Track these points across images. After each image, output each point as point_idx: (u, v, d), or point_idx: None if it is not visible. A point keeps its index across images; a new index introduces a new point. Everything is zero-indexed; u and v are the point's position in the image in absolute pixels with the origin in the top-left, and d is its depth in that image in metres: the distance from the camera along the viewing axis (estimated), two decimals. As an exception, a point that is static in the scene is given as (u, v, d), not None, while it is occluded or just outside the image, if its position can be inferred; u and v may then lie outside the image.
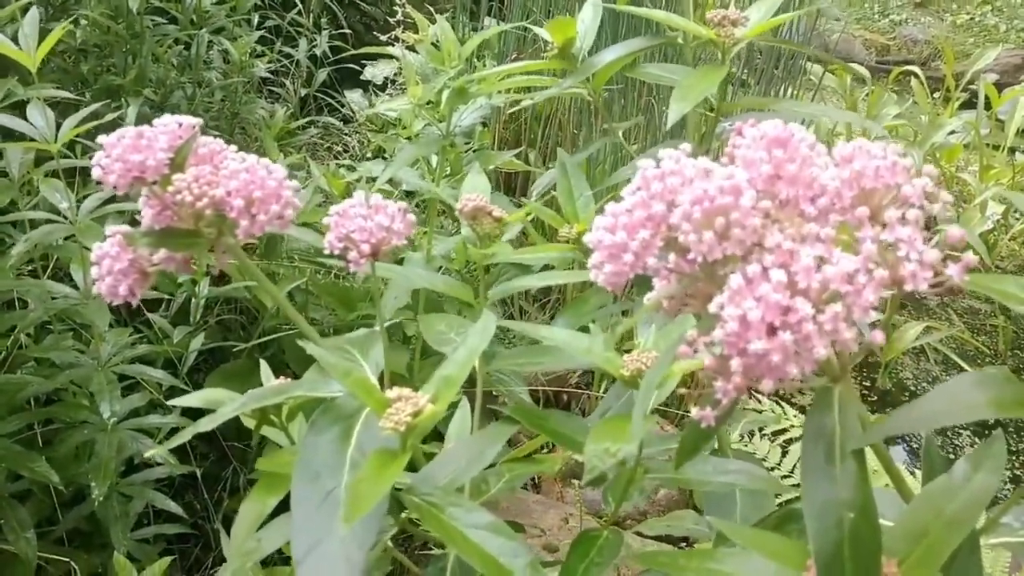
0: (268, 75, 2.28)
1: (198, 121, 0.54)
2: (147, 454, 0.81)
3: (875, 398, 2.60)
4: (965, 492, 0.45)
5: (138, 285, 0.54)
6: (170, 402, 0.72)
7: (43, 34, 1.24)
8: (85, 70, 1.73)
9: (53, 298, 1.18)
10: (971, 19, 5.94)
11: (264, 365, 0.70)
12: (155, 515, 1.49)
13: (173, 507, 1.33)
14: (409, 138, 1.49)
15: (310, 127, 2.20)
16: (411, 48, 1.39)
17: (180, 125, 0.54)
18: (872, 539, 0.40)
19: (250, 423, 0.70)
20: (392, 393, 0.50)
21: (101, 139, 0.51)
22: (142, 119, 1.65)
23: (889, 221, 0.39)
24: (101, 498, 1.23)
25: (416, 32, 1.38)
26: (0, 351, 1.28)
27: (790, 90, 3.18)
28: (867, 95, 3.35)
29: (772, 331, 0.37)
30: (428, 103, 1.39)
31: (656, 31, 0.90)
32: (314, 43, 2.20)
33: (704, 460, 0.60)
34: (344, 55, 2.23)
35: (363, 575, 0.48)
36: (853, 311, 0.37)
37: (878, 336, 0.37)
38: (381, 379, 0.60)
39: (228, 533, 1.03)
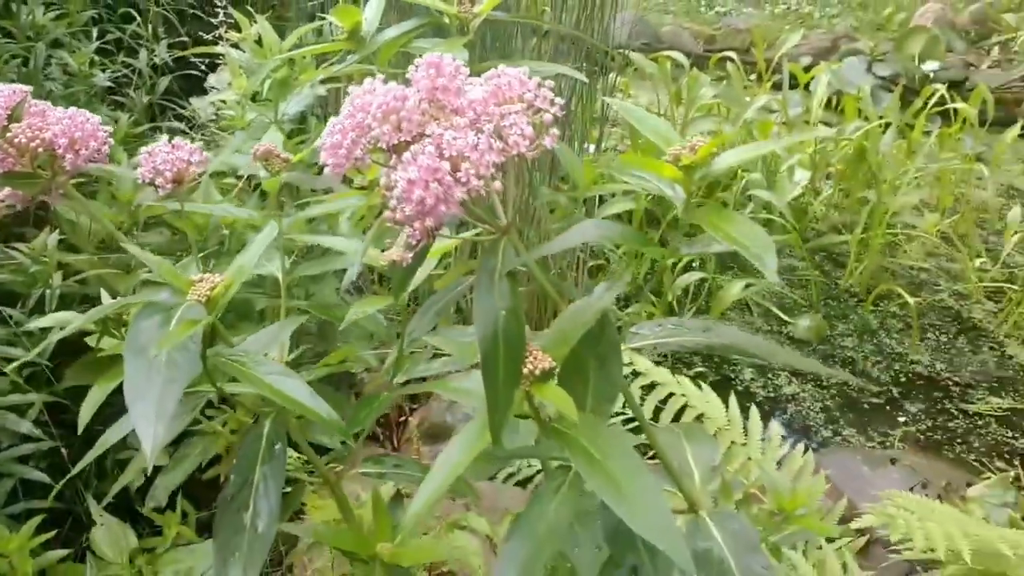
0: (112, 85, 2.37)
1: (29, 88, 0.70)
2: None
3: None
4: (597, 305, 0.66)
5: (-13, 217, 0.69)
6: (26, 325, 0.87)
7: None
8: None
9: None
10: (787, 8, 6.46)
11: (103, 292, 0.85)
12: (25, 493, 1.59)
13: (38, 476, 1.44)
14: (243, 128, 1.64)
15: (155, 132, 2.31)
16: (236, 46, 1.55)
17: (14, 92, 0.69)
18: (519, 330, 0.60)
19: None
20: (196, 277, 0.67)
21: (-50, 101, 0.66)
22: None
23: (506, 113, 0.58)
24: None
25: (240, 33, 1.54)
26: None
27: (614, 77, 3.44)
28: (687, 81, 3.66)
29: (427, 186, 0.56)
30: (255, 95, 1.55)
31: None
32: (154, 52, 2.32)
33: (457, 330, 0.79)
34: (185, 61, 2.35)
35: (170, 419, 0.65)
36: (480, 168, 0.56)
37: (497, 185, 0.57)
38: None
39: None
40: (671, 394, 1.61)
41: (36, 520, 1.33)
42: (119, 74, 2.42)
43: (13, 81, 2.08)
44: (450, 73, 0.60)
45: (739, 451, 1.44)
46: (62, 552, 1.39)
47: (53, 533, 1.38)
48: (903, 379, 2.79)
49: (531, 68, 0.99)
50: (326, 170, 0.61)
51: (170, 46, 2.38)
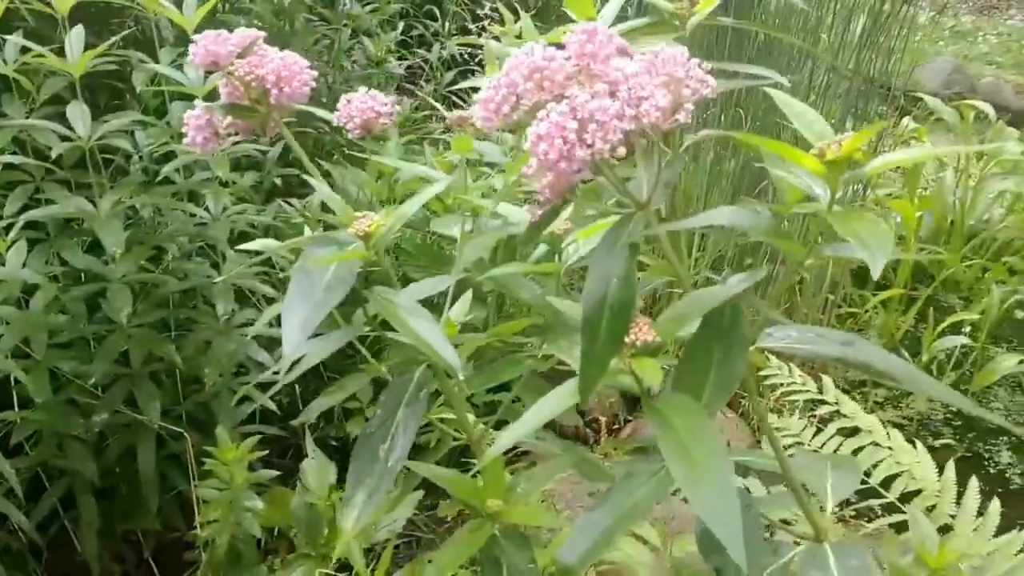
0: (405, 74, 2.59)
1: (261, 34, 0.80)
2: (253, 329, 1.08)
3: (959, 422, 2.62)
4: (723, 293, 0.64)
5: (212, 140, 0.80)
6: (237, 248, 0.98)
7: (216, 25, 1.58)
8: (246, 54, 2.07)
9: (191, 215, 1.49)
10: None
11: (305, 228, 0.95)
12: (262, 420, 1.79)
13: (270, 405, 1.61)
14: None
15: (432, 119, 2.50)
16: (497, 39, 1.64)
17: (249, 34, 0.80)
18: (628, 298, 0.60)
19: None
20: (359, 214, 0.74)
21: (194, 36, 0.77)
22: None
23: (645, 84, 0.59)
24: (212, 384, 1.53)
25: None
26: (154, 260, 1.61)
27: (907, 121, 3.23)
28: (990, 133, 3.36)
29: (552, 142, 0.58)
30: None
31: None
32: (443, 47, 2.51)
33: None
34: (471, 58, 2.52)
35: (310, 332, 0.71)
36: (607, 133, 0.58)
37: (621, 151, 0.58)
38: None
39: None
40: (874, 444, 1.49)
41: (255, 439, 1.48)
42: (413, 64, 2.64)
43: (319, 59, 2.35)
44: (601, 41, 0.62)
45: (939, 519, 1.31)
46: (273, 472, 1.54)
47: (265, 453, 1.54)
48: None
49: (735, 68, 0.97)
50: (477, 122, 0.65)
51: (460, 44, 2.56)
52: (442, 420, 1.02)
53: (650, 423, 0.61)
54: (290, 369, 0.82)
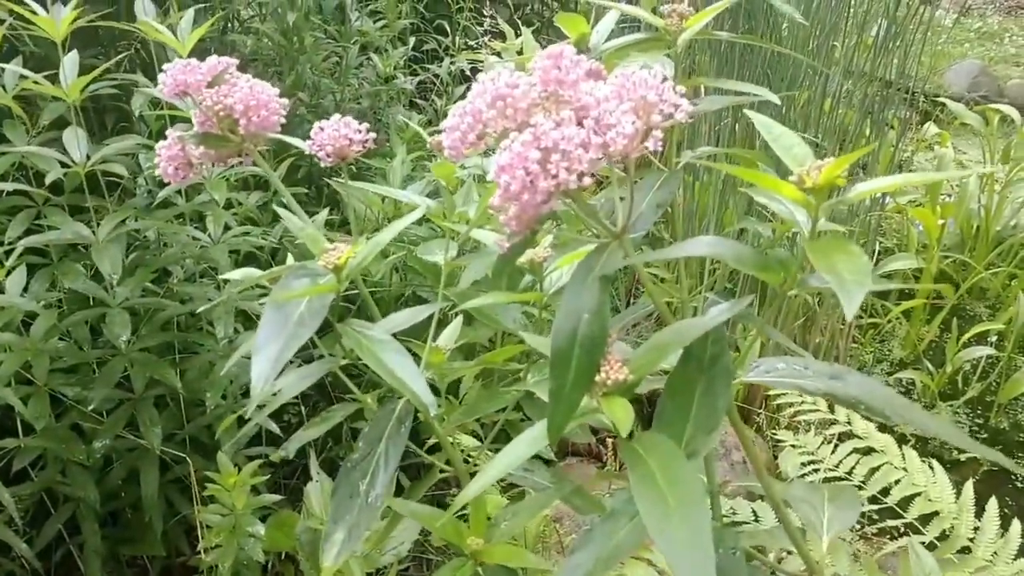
0: (413, 90, 2.57)
1: (234, 61, 0.78)
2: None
3: (986, 435, 2.56)
4: (705, 323, 0.61)
5: (184, 169, 0.78)
6: (220, 276, 0.96)
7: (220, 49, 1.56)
8: (252, 74, 2.07)
9: (194, 238, 1.48)
10: None
11: (290, 256, 0.93)
12: (268, 442, 1.77)
13: (272, 427, 1.59)
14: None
15: (439, 134, 2.46)
16: (498, 55, 1.62)
17: (219, 62, 0.78)
18: (599, 335, 0.57)
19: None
20: (329, 245, 0.72)
21: (165, 66, 0.76)
22: (294, 118, 1.92)
23: (613, 110, 0.56)
24: (214, 407, 1.51)
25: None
26: (158, 284, 1.60)
27: (927, 127, 3.17)
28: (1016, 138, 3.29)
29: (514, 173, 0.55)
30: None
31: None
32: (453, 62, 2.49)
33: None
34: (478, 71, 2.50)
35: (280, 366, 0.68)
36: (572, 163, 0.55)
37: (587, 181, 0.55)
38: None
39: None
40: (885, 464, 1.44)
41: (256, 463, 1.46)
42: (423, 80, 2.62)
43: (328, 76, 2.34)
44: (568, 65, 0.59)
45: (957, 541, 1.26)
46: (276, 496, 1.52)
47: (271, 475, 1.52)
48: None
49: (727, 87, 0.94)
50: (444, 150, 0.62)
51: (467, 59, 2.54)
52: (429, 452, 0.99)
53: (627, 463, 0.58)
54: (260, 407, 0.80)
